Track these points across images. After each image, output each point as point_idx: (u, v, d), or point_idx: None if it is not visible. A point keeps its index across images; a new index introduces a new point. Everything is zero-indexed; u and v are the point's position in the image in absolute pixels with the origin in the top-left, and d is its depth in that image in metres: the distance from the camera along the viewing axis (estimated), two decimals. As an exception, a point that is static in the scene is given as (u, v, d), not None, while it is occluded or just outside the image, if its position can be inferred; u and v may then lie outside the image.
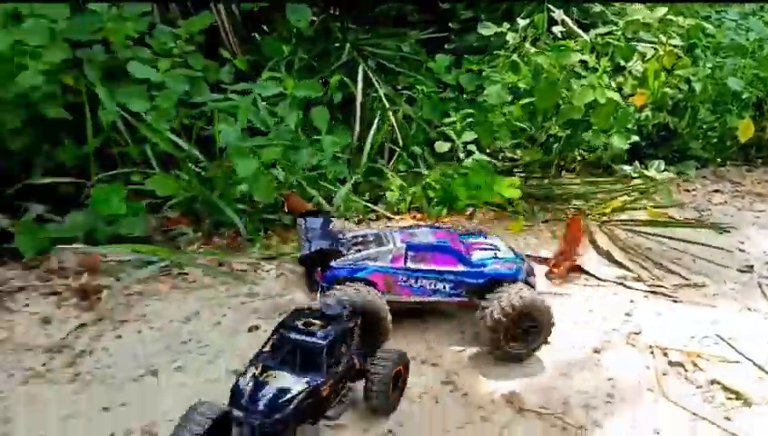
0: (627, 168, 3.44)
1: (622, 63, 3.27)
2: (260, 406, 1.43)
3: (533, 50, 3.31)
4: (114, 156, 2.72)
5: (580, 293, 2.38)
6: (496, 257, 2.07)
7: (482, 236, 2.24)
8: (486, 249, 2.12)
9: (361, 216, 2.85)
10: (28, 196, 2.68)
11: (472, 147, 3.02)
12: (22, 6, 2.62)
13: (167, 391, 1.78)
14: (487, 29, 3.40)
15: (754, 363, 1.98)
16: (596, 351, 2.04)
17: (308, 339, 1.52)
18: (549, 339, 1.94)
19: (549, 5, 3.56)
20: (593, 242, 2.72)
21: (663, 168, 3.39)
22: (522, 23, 3.42)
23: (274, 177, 2.51)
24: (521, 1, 3.80)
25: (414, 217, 2.93)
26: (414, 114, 3.39)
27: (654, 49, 3.46)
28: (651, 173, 3.35)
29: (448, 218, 2.89)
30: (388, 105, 3.33)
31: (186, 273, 2.35)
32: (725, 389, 1.88)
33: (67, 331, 2.00)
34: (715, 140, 3.65)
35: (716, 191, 3.44)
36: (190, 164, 2.57)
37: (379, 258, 1.98)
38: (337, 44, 3.61)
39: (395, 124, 3.26)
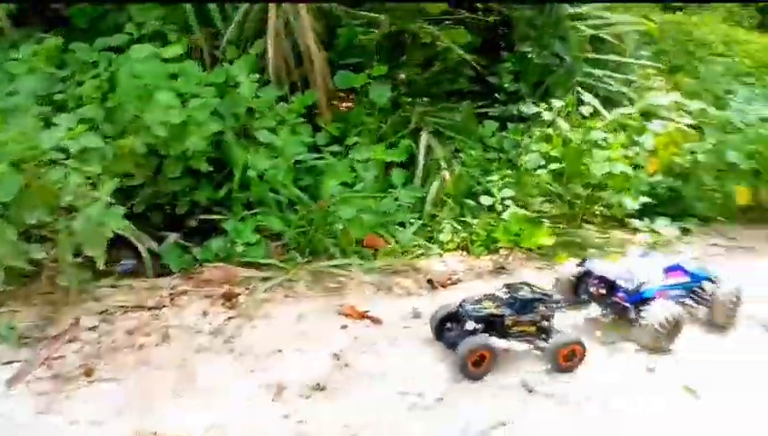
0: (639, 223, 4.20)
1: (635, 138, 4.09)
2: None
3: (565, 125, 4.17)
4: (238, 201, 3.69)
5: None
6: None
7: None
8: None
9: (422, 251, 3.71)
10: (169, 228, 3.69)
11: (509, 202, 3.86)
12: (183, 88, 3.66)
13: (290, 363, 2.67)
14: (528, 108, 4.29)
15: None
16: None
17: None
18: None
19: (579, 89, 4.44)
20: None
21: (667, 224, 4.15)
22: (557, 103, 4.28)
23: (365, 220, 3.43)
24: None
25: (461, 254, 3.78)
26: (464, 173, 4.26)
27: (664, 126, 4.27)
28: (657, 227, 4.11)
29: (488, 257, 3.74)
30: (444, 166, 4.22)
31: (294, 287, 3.27)
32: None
33: (219, 321, 2.93)
34: (717, 202, 4.37)
35: (714, 244, 4.15)
36: (301, 207, 3.52)
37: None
38: (406, 115, 4.54)
39: (448, 181, 4.14)
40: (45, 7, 4.35)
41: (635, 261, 3.15)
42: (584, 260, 3.20)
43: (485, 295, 2.76)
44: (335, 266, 3.34)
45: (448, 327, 2.72)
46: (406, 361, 2.72)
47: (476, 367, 2.54)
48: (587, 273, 3.08)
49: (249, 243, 3.34)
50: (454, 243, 3.83)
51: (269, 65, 4.04)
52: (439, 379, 2.60)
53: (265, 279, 3.27)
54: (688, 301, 3.14)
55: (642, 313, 2.81)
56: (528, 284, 2.82)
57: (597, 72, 4.54)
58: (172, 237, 3.60)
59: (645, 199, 4.06)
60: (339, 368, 2.66)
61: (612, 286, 2.96)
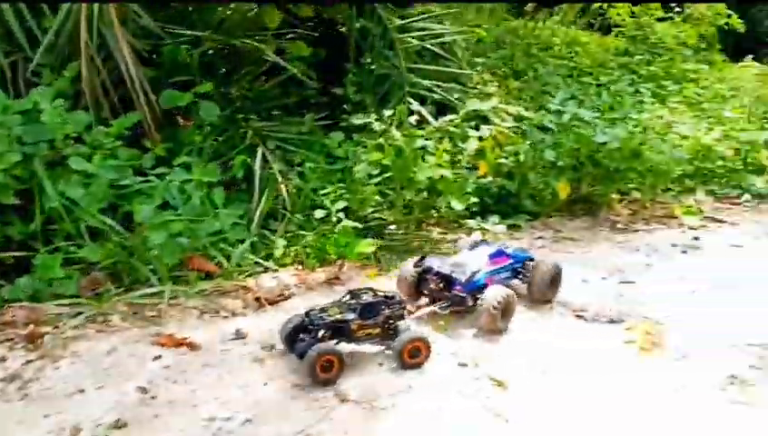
0: (472, 222, 4.39)
1: (460, 143, 4.28)
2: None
3: (397, 134, 4.29)
4: (55, 232, 3.50)
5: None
6: None
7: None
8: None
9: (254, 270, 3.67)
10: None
11: (341, 214, 3.91)
12: (-20, 117, 3.44)
13: (91, 402, 2.55)
14: (358, 119, 4.38)
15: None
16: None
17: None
18: None
19: (409, 99, 4.59)
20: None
21: (497, 221, 4.37)
22: (387, 113, 4.40)
23: (179, 244, 3.34)
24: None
25: (297, 268, 3.79)
26: (303, 185, 4.27)
27: (490, 130, 4.50)
28: (488, 225, 4.32)
29: (321, 269, 3.77)
30: (280, 179, 4.21)
31: (109, 320, 3.13)
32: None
33: (17, 365, 2.75)
34: (543, 198, 4.66)
35: (539, 238, 4.41)
36: (114, 236, 3.38)
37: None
38: (241, 131, 4.50)
39: (285, 195, 4.14)
40: None
41: (465, 253, 3.40)
42: (422, 258, 3.34)
43: (331, 303, 2.87)
44: (152, 294, 3.23)
45: (300, 338, 2.76)
46: (219, 386, 2.67)
47: (325, 373, 2.62)
48: (426, 271, 3.26)
49: (58, 278, 3.16)
50: (289, 258, 3.83)
51: (84, 88, 3.86)
52: (252, 399, 2.58)
53: (77, 315, 3.11)
54: (515, 281, 3.42)
55: (478, 300, 3.03)
56: (372, 289, 2.92)
57: (426, 82, 4.70)
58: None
59: (475, 199, 4.24)
60: (145, 401, 2.57)
61: (449, 280, 3.17)
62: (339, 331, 2.73)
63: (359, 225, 3.84)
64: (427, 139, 4.03)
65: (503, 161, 4.45)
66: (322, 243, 3.76)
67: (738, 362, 2.86)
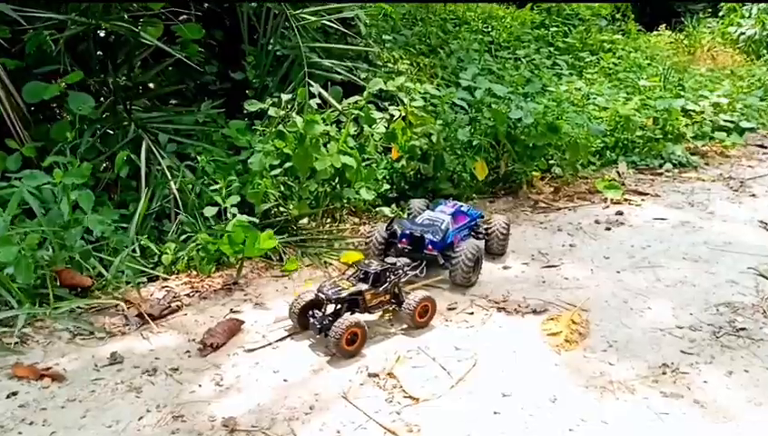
0: (387, 209, 4.09)
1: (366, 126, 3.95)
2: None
3: (298, 120, 3.91)
4: None
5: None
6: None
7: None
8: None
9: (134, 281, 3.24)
10: None
11: (234, 210, 3.51)
12: None
13: None
14: (252, 105, 3.97)
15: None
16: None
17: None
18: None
19: (310, 81, 4.22)
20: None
21: (414, 207, 4.08)
22: (285, 97, 4.02)
23: (39, 258, 2.88)
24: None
25: (189, 275, 3.38)
26: (193, 181, 3.84)
27: (399, 111, 4.20)
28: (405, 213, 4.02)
29: (217, 273, 3.38)
30: (169, 176, 3.77)
31: (-40, 352, 2.65)
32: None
33: None
34: (463, 180, 4.40)
35: (460, 222, 4.15)
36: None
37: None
38: (125, 124, 4.02)
39: (175, 192, 3.70)
40: None
41: (428, 214, 3.49)
42: (391, 221, 3.46)
43: (337, 278, 3.01)
44: (10, 318, 2.77)
45: (311, 314, 2.78)
46: (85, 425, 2.27)
47: (350, 345, 2.63)
48: (393, 234, 3.37)
49: None
50: (183, 264, 3.42)
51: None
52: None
53: None
54: (473, 238, 3.55)
55: (453, 257, 3.18)
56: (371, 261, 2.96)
57: (327, 61, 4.34)
58: None
59: (387, 186, 3.94)
60: (-9, 451, 2.15)
61: (418, 241, 3.26)
62: (355, 302, 2.79)
63: (256, 220, 3.47)
64: (328, 124, 3.66)
65: (415, 143, 4.15)
66: (216, 244, 3.36)
67: (669, 349, 2.69)
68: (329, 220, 4.01)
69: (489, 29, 8.13)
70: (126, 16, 4.08)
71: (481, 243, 3.44)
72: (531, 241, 3.80)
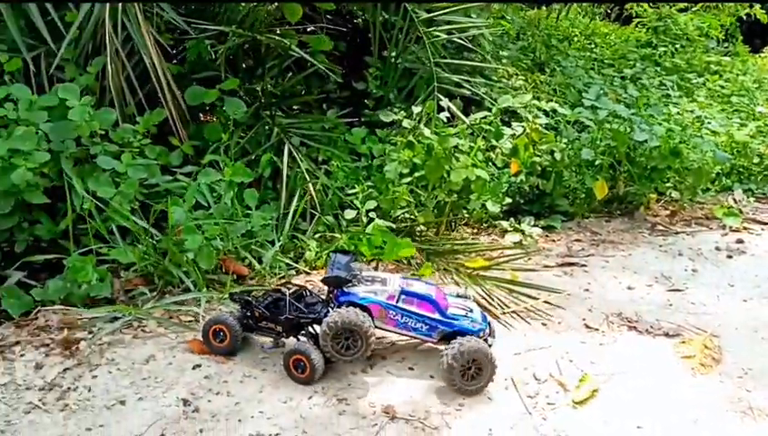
0: (505, 223, 4.28)
1: (493, 141, 4.16)
2: None
3: (427, 131, 4.16)
4: (83, 232, 3.40)
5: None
6: (467, 316, 2.80)
7: (464, 299, 2.95)
8: (462, 309, 2.85)
9: (285, 272, 3.57)
10: (10, 266, 3.35)
11: (373, 214, 3.79)
12: (9, 113, 3.33)
13: (132, 415, 2.47)
14: (387, 116, 4.25)
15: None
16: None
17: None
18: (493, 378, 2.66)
19: (438, 95, 4.46)
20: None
21: (533, 223, 4.26)
22: (416, 109, 4.28)
23: (215, 247, 3.24)
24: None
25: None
26: (330, 184, 4.16)
27: (523, 127, 4.38)
28: (523, 227, 4.20)
29: (356, 271, 3.66)
30: (308, 178, 4.10)
31: (145, 325, 3.04)
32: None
33: (54, 373, 2.66)
34: (579, 198, 4.54)
35: (577, 240, 4.30)
36: (147, 237, 3.28)
37: (379, 294, 2.75)
38: (267, 128, 4.38)
39: (313, 194, 4.03)
40: None
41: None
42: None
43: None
44: (187, 299, 3.13)
45: None
46: (262, 399, 2.59)
47: None
48: None
49: (91, 281, 3.06)
50: (322, 261, 3.73)
51: (109, 84, 3.74)
52: (298, 415, 2.50)
53: (113, 320, 3.01)
54: None
55: None
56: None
57: (455, 77, 4.57)
58: (15, 276, 3.26)
59: (509, 200, 4.13)
60: (188, 414, 2.48)
61: None
62: None
63: (393, 225, 3.73)
64: (462, 138, 3.89)
65: (536, 159, 4.32)
66: (356, 245, 3.65)
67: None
68: (445, 229, 4.24)
69: (593, 46, 8.16)
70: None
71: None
72: (652, 263, 3.91)
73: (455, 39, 4.68)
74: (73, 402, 2.51)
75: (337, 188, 4.14)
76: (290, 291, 2.86)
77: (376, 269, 3.65)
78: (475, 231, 4.35)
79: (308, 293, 2.88)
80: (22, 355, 2.75)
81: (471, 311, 2.85)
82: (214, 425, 2.44)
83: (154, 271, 3.26)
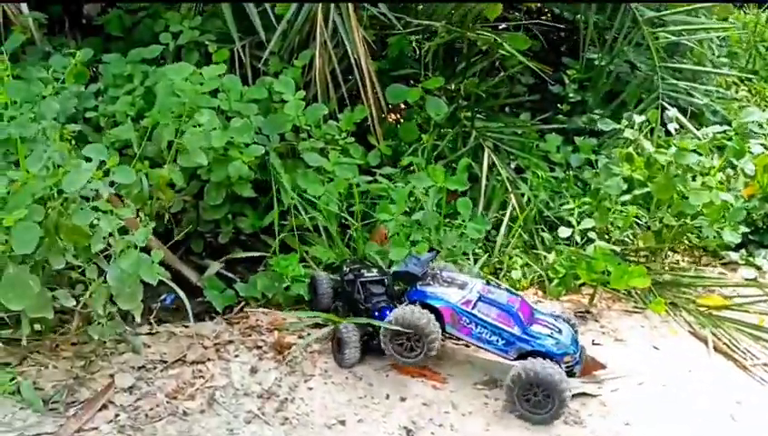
0: (734, 255, 3.70)
1: (733, 160, 3.59)
2: None
3: (647, 144, 3.68)
4: (283, 228, 3.28)
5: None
6: (551, 336, 2.45)
7: (557, 319, 2.60)
8: (549, 327, 2.50)
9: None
10: (212, 257, 3.34)
11: (592, 234, 3.39)
12: (223, 103, 3.29)
13: (353, 437, 2.27)
14: (606, 125, 3.81)
15: None
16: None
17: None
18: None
19: (664, 103, 3.95)
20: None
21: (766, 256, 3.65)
22: (638, 119, 3.80)
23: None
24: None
25: (536, 293, 3.33)
26: (532, 197, 3.80)
27: (763, 145, 3.77)
28: (758, 261, 3.61)
29: (566, 298, 3.28)
30: (510, 188, 3.77)
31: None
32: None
33: (270, 380, 2.53)
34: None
35: (824, 281, 3.63)
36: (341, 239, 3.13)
37: (453, 296, 2.49)
38: (465, 130, 4.09)
39: (516, 206, 3.69)
40: (78, 15, 4.04)
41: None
42: None
43: None
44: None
45: None
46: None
47: None
48: None
49: (295, 279, 2.94)
50: (527, 281, 3.39)
51: (315, 79, 3.63)
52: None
53: (316, 326, 2.85)
54: None
55: None
56: None
57: (681, 83, 4.03)
58: (215, 267, 3.23)
59: (744, 228, 3.56)
60: (412, 446, 2.25)
61: None
62: None
63: (617, 249, 3.31)
64: (704, 155, 3.38)
65: (774, 184, 3.70)
66: (571, 267, 3.27)
67: None
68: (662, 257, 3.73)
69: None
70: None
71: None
72: None
73: (683, 42, 4.14)
74: (292, 416, 2.36)
75: (540, 201, 3.78)
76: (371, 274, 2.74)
77: (593, 298, 3.25)
78: (692, 260, 3.81)
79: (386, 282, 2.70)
80: (236, 356, 2.65)
81: (560, 331, 2.47)
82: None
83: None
